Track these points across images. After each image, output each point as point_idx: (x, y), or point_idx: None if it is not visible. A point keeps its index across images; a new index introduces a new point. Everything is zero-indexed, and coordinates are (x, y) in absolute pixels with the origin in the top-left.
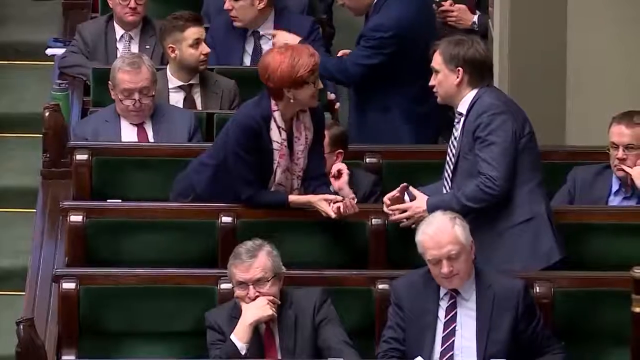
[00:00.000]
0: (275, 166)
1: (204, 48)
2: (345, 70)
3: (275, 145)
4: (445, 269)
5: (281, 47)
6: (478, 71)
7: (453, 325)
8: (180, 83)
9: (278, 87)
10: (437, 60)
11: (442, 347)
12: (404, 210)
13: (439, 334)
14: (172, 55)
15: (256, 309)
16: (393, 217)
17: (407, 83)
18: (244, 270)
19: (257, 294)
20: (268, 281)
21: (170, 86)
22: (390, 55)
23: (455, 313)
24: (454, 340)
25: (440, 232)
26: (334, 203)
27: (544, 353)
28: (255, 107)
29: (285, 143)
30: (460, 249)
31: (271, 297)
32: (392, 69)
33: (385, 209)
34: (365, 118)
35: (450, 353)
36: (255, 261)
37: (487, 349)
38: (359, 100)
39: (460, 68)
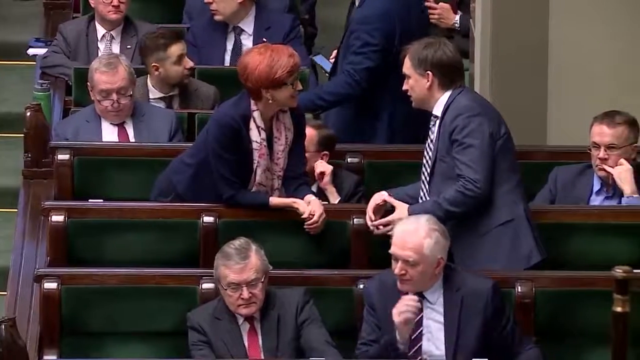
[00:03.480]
0: (255, 166)
1: (187, 62)
2: (351, 83)
3: (254, 145)
4: (397, 269)
5: (260, 47)
6: (448, 73)
7: (420, 330)
8: (162, 95)
9: (256, 88)
10: (406, 65)
11: (409, 351)
12: (387, 224)
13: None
14: (156, 72)
15: None
16: (377, 232)
17: (393, 81)
18: (238, 272)
19: (250, 294)
20: (262, 282)
21: (151, 96)
22: (385, 51)
23: (422, 317)
24: (421, 345)
25: (409, 235)
26: (309, 218)
27: (518, 353)
28: (235, 106)
29: (265, 143)
30: (419, 259)
31: None
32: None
33: (369, 222)
34: (348, 117)
35: (419, 358)
36: (249, 262)
37: (456, 354)
38: None
39: (429, 72)
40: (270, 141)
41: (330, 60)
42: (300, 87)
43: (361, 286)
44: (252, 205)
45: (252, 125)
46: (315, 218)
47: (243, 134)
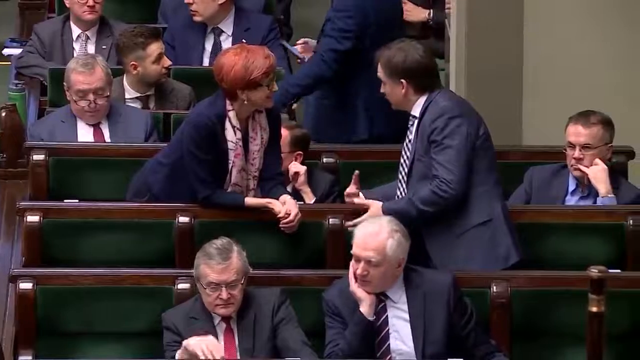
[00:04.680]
0: (230, 166)
1: (166, 61)
2: (320, 63)
3: (230, 145)
4: (359, 269)
5: (237, 48)
6: (421, 78)
7: (386, 329)
8: (138, 95)
9: (232, 88)
10: (380, 73)
11: (378, 351)
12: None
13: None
14: (134, 71)
15: (196, 342)
16: (349, 223)
17: (366, 73)
18: (219, 272)
19: (229, 295)
20: (241, 283)
21: (127, 96)
22: (358, 39)
23: (386, 317)
24: (389, 344)
25: (371, 236)
26: (285, 218)
27: (482, 356)
28: (210, 106)
29: (241, 143)
30: (381, 259)
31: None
32: (356, 55)
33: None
34: (325, 114)
35: (388, 357)
36: (230, 263)
37: (424, 349)
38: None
39: (402, 80)
40: (245, 141)
41: (297, 46)
42: (276, 88)
43: None
44: (227, 205)
45: (227, 125)
46: (290, 217)
47: (218, 134)
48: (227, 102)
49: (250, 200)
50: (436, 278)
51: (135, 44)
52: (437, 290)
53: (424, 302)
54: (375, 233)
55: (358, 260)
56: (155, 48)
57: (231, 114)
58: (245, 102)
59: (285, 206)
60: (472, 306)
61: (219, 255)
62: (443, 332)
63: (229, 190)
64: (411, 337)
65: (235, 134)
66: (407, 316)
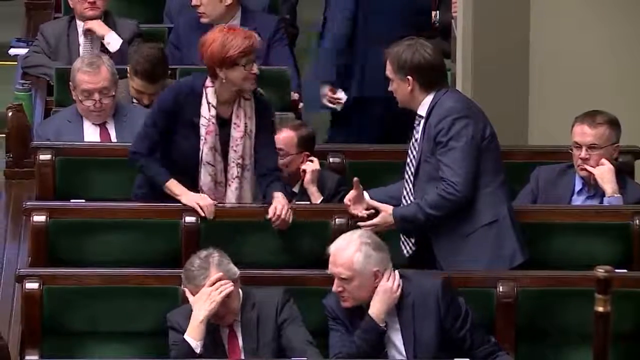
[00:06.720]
0: (202, 143)
1: (145, 99)
2: (333, 36)
3: (202, 120)
4: (334, 286)
5: (223, 27)
6: (428, 76)
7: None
8: None
9: (210, 65)
10: (388, 69)
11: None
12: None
13: None
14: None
15: (203, 304)
16: (363, 224)
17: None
18: None
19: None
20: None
21: (134, 101)
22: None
23: None
24: (386, 353)
25: (339, 252)
26: (273, 217)
27: (484, 357)
28: (193, 78)
29: (214, 120)
30: (352, 275)
31: (215, 280)
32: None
33: (352, 211)
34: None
35: None
36: (209, 282)
37: (416, 356)
38: None
39: (409, 76)
40: (227, 127)
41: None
42: (255, 70)
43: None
44: (152, 177)
45: (203, 100)
46: (277, 212)
47: (189, 105)
48: (209, 79)
49: (170, 184)
50: (425, 284)
51: (131, 62)
52: (425, 296)
53: (412, 309)
54: (342, 248)
55: (333, 276)
56: (136, 83)
57: (209, 90)
58: (224, 80)
59: (272, 205)
60: (467, 307)
61: (199, 276)
62: (434, 338)
63: (202, 169)
64: (402, 346)
65: (209, 110)
66: (397, 326)
